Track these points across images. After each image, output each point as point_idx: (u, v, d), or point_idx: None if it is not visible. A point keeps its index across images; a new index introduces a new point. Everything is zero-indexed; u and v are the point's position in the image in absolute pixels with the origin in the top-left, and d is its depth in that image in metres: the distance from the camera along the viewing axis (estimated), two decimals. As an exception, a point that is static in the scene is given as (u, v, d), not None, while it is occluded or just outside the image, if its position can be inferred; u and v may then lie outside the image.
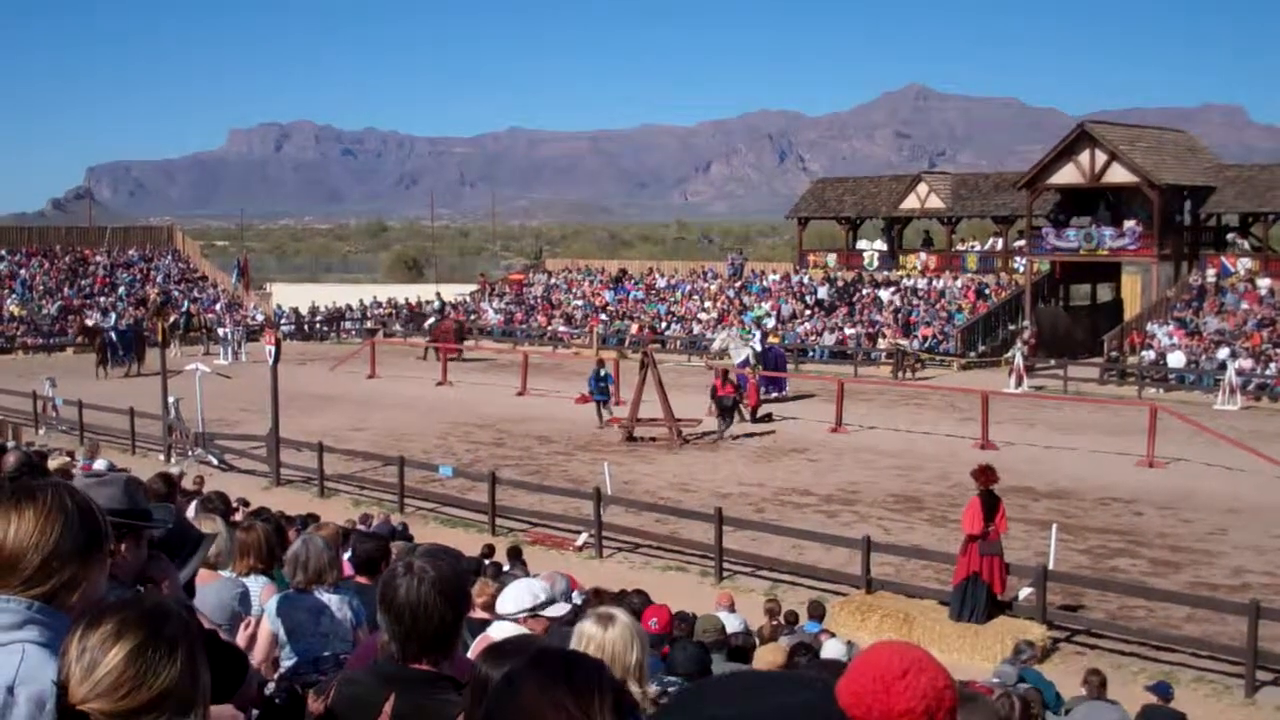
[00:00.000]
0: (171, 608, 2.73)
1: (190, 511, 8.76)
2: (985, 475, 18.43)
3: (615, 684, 2.54)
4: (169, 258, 76.73)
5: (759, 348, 39.88)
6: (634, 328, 60.02)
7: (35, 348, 61.68)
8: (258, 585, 7.44)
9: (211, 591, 6.32)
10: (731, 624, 13.62)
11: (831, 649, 13.22)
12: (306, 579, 6.95)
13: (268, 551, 7.91)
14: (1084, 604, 19.40)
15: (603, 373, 38.23)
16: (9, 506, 3.02)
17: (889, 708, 2.18)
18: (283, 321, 65.35)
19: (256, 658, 6.35)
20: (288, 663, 6.60)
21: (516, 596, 6.39)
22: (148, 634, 2.57)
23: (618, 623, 4.76)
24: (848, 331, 54.17)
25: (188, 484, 20.03)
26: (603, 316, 62.71)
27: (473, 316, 68.05)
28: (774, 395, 40.49)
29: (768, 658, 10.44)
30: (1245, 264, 49.85)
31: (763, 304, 59.63)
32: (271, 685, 6.20)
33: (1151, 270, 51.88)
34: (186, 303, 67.70)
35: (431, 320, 60.40)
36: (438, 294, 69.06)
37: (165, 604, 2.75)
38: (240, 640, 5.38)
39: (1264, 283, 48.17)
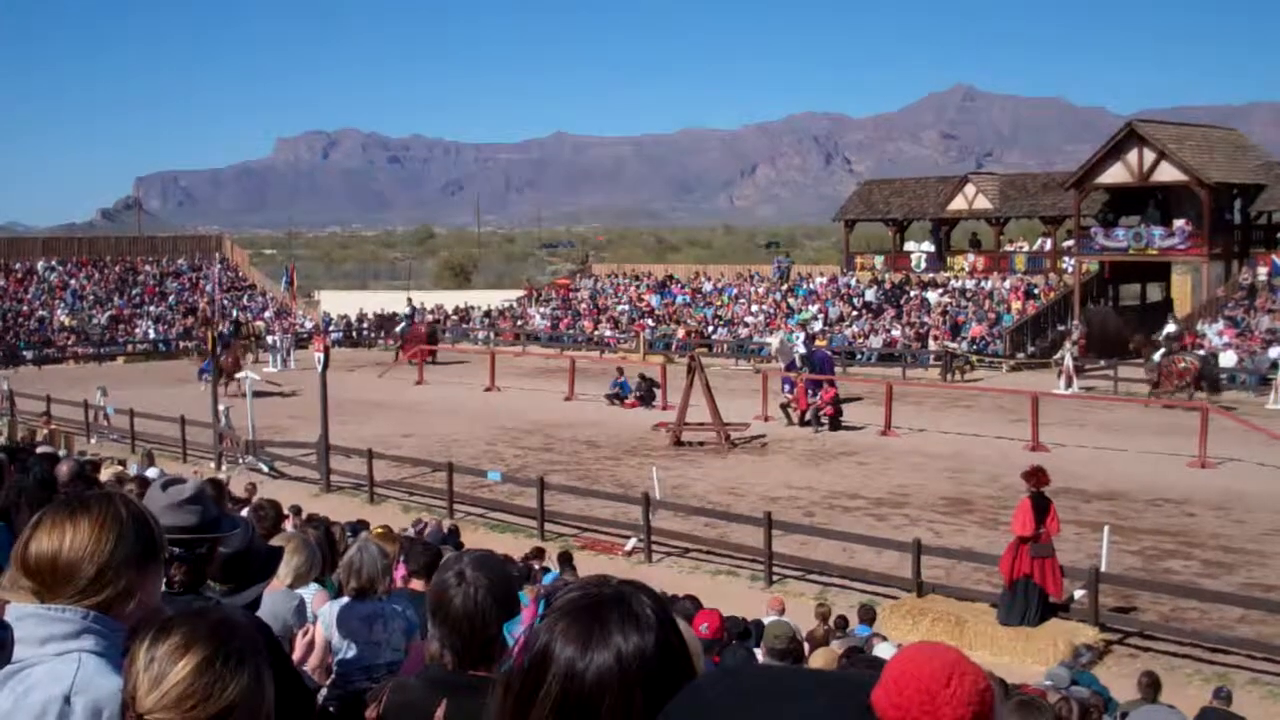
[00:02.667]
0: (240, 620, 2.74)
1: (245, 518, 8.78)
2: (1036, 477, 18.31)
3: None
4: (218, 266, 77.29)
5: (803, 350, 39.79)
6: (680, 332, 60.05)
7: (86, 357, 62.18)
8: (309, 593, 7.46)
9: (267, 602, 6.35)
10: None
11: (883, 652, 13.16)
12: (359, 586, 6.96)
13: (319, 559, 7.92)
14: (1136, 606, 19.25)
15: (621, 380, 43.36)
16: (64, 517, 3.04)
17: None
18: (331, 329, 65.69)
19: (312, 664, 6.37)
20: (340, 670, 6.62)
21: None
22: (217, 646, 2.57)
23: None
24: (896, 334, 54.01)
25: (240, 491, 20.17)
26: (648, 321, 62.71)
27: (519, 322, 68.31)
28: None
29: (820, 662, 10.40)
30: (1297, 262, 49.38)
31: (810, 307, 59.53)
32: (324, 692, 6.24)
33: (1202, 269, 51.54)
34: (235, 312, 68.19)
35: (402, 325, 60.64)
36: (409, 299, 69.16)
37: (234, 616, 2.75)
38: (299, 647, 5.39)
39: (1316, 281, 47.73)
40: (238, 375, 43.35)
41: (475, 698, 3.82)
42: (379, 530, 12.25)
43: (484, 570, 3.90)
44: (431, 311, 69.85)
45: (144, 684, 2.53)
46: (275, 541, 6.68)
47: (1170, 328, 45.26)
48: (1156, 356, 41.55)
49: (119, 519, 3.06)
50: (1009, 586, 18.14)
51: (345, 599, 7.04)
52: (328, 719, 4.89)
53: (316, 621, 6.82)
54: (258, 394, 37.69)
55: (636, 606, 2.20)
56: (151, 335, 65.92)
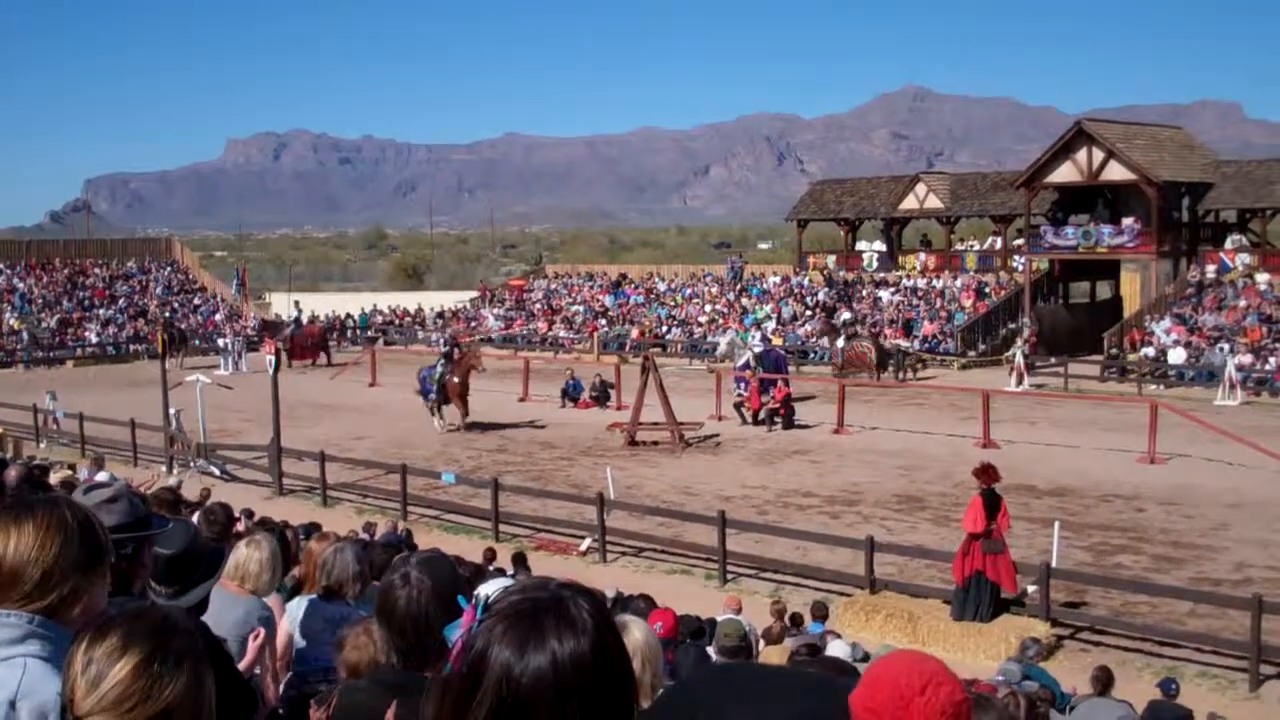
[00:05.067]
0: (179, 620, 2.72)
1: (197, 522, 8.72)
2: (986, 474, 18.43)
3: None
4: (168, 269, 76.74)
5: (758, 349, 39.83)
6: (634, 332, 60.09)
7: (35, 361, 61.59)
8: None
9: (240, 607, 6.28)
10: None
11: (836, 650, 13.23)
12: (327, 585, 6.94)
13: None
14: (1087, 601, 19.39)
15: (573, 381, 43.39)
16: (8, 522, 3.02)
17: None
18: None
19: (271, 664, 6.33)
20: (298, 670, 6.60)
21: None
22: (154, 647, 2.55)
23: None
24: (848, 332, 54.15)
25: (192, 495, 20.05)
26: (601, 321, 62.73)
27: (473, 323, 68.14)
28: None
29: (773, 660, 10.43)
30: (1243, 259, 49.86)
31: (763, 306, 59.64)
32: (281, 689, 6.21)
33: (1150, 267, 51.91)
34: (166, 313, 67.39)
35: (290, 329, 59.83)
36: (295, 303, 68.55)
37: (172, 616, 2.74)
38: (250, 650, 5.36)
39: (1262, 278, 48.20)
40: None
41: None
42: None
43: (429, 572, 3.89)
44: (320, 315, 69.31)
45: (81, 686, 2.52)
46: (244, 546, 6.63)
47: (845, 315, 54.38)
48: (840, 343, 47.33)
49: (64, 523, 3.04)
50: (960, 584, 18.25)
51: (312, 596, 7.01)
52: (277, 721, 4.87)
53: (284, 618, 6.81)
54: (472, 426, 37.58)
55: (574, 611, 2.20)
56: (97, 339, 65.23)
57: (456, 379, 36.97)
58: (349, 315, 72.35)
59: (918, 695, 2.13)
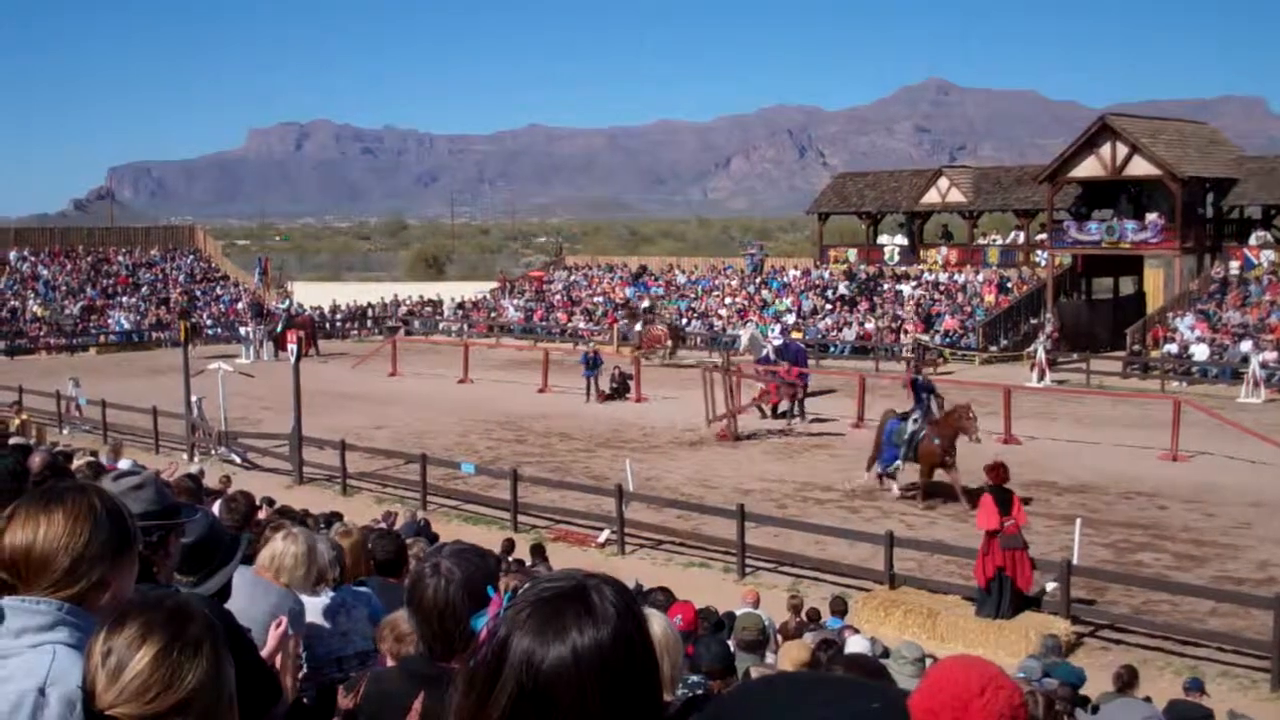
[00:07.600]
0: (195, 607, 2.71)
1: (218, 511, 8.72)
2: (995, 472, 18.45)
3: None
4: (190, 257, 76.96)
5: (778, 342, 39.77)
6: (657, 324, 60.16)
7: (58, 348, 61.85)
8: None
9: (274, 596, 6.26)
10: (757, 621, 13.57)
11: (855, 645, 13.18)
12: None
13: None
14: (1108, 598, 19.33)
15: (590, 358, 42.70)
16: (38, 509, 3.03)
17: None
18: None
19: (291, 658, 6.32)
20: (311, 664, 6.59)
21: None
22: (173, 635, 2.55)
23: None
24: (869, 326, 54.10)
25: (212, 483, 20.10)
26: (621, 313, 62.75)
27: (493, 314, 68.22)
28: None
29: (792, 654, 10.37)
30: (1268, 256, 49.64)
31: (783, 299, 59.58)
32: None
33: (1174, 263, 51.72)
34: (183, 302, 67.52)
35: (282, 321, 59.68)
36: (288, 294, 68.43)
37: (189, 603, 2.73)
38: (271, 640, 5.36)
39: (1287, 274, 47.99)
40: None
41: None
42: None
43: (460, 563, 3.88)
44: (315, 307, 69.29)
45: (102, 678, 2.51)
46: (280, 540, 6.61)
47: (645, 303, 61.24)
48: (638, 326, 53.65)
49: (93, 511, 3.05)
50: (984, 586, 18.16)
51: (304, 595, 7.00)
52: (302, 711, 4.86)
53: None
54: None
55: (596, 599, 2.20)
56: (124, 326, 65.49)
57: (938, 442, 26.43)
58: (370, 305, 72.48)
59: (977, 697, 2.15)
